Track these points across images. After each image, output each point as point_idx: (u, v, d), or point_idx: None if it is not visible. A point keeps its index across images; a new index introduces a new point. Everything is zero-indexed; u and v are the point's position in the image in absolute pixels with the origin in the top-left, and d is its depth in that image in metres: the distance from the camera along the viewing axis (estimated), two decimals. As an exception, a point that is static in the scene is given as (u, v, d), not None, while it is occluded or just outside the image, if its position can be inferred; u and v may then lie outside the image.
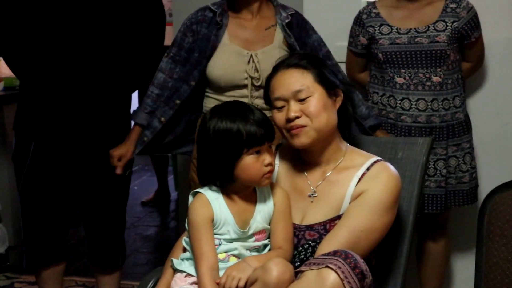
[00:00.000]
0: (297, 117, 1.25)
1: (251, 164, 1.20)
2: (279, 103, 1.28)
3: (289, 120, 1.25)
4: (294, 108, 1.25)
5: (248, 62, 1.69)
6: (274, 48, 1.73)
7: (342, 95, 1.32)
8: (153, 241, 3.02)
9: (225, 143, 1.19)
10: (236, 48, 1.71)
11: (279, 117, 1.28)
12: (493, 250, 1.25)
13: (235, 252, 1.24)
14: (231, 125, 1.19)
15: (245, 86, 1.72)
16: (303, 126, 1.25)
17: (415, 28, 1.92)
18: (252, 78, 1.69)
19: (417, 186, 1.31)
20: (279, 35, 1.74)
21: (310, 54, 1.43)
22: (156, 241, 3.02)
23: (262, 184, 1.24)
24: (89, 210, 1.91)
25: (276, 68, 1.33)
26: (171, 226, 3.28)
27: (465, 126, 1.98)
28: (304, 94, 1.25)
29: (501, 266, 1.24)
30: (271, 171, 1.24)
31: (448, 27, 1.92)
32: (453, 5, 1.95)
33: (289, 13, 1.75)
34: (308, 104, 1.25)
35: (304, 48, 1.75)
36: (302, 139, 1.26)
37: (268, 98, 1.33)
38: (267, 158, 1.21)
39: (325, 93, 1.28)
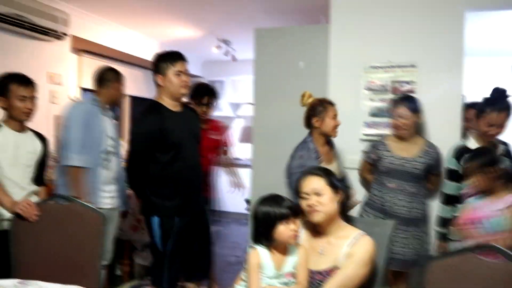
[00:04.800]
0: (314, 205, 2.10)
1: (283, 230, 2.01)
2: (305, 196, 2.13)
3: (310, 206, 2.11)
4: (313, 199, 2.11)
5: None
6: None
7: (342, 192, 2.19)
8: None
9: (267, 219, 2.03)
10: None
11: (304, 203, 2.13)
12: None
13: (273, 284, 2.05)
14: (269, 208, 2.04)
15: None
16: (318, 210, 2.10)
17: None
18: None
19: (385, 250, 2.12)
20: None
21: (324, 168, 2.31)
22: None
23: (290, 242, 2.05)
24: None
25: (305, 174, 2.19)
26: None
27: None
28: (320, 192, 2.11)
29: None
30: (296, 234, 2.05)
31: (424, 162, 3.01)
32: (428, 148, 3.04)
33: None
34: (322, 197, 2.10)
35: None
36: (316, 218, 2.11)
37: (298, 192, 2.19)
38: (292, 226, 2.02)
39: (331, 191, 2.14)
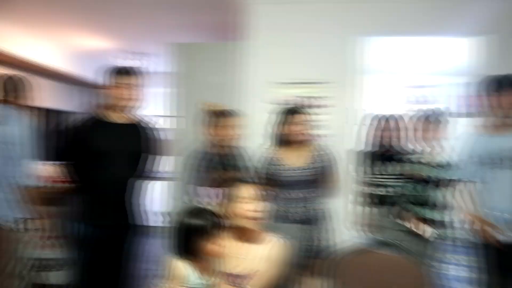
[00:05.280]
0: None
1: (209, 246, 2.08)
2: (245, 200, 2.25)
3: (255, 212, 2.23)
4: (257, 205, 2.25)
5: None
6: None
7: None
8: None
9: (192, 233, 2.08)
10: None
11: (244, 207, 2.24)
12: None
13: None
14: (196, 223, 2.08)
15: None
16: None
17: None
18: None
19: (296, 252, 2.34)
20: None
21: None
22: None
23: (217, 257, 2.13)
24: None
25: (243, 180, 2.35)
26: None
27: None
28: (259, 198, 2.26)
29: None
30: (223, 251, 2.13)
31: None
32: (319, 152, 3.26)
33: None
34: (261, 204, 2.26)
35: None
36: (259, 224, 2.25)
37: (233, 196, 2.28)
38: (219, 242, 2.10)
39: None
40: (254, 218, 2.25)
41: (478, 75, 3.81)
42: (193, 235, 2.09)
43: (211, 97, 4.32)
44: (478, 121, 3.14)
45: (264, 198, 2.30)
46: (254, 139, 3.72)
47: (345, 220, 3.68)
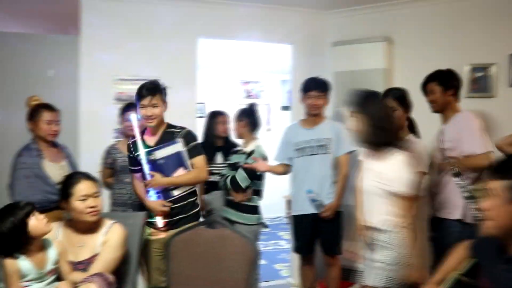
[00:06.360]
0: None
1: (35, 223, 2.16)
2: (83, 197, 2.39)
3: (93, 207, 2.38)
4: (93, 200, 2.39)
5: None
6: None
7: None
8: None
9: (14, 227, 2.13)
10: None
11: (83, 204, 2.37)
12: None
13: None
14: (11, 217, 2.15)
15: None
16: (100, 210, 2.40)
17: None
18: None
19: (138, 238, 2.58)
20: None
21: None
22: None
23: (46, 231, 2.21)
24: None
25: (79, 177, 2.46)
26: None
27: None
28: (97, 194, 2.43)
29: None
30: (45, 223, 2.21)
31: None
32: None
33: None
34: (97, 199, 2.44)
35: None
36: (95, 218, 2.40)
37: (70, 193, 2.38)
38: (41, 216, 2.20)
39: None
40: (92, 213, 2.39)
41: (292, 75, 4.47)
42: (15, 228, 2.14)
43: (45, 91, 4.22)
44: (297, 114, 3.66)
45: (100, 192, 2.45)
46: (93, 133, 3.82)
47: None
